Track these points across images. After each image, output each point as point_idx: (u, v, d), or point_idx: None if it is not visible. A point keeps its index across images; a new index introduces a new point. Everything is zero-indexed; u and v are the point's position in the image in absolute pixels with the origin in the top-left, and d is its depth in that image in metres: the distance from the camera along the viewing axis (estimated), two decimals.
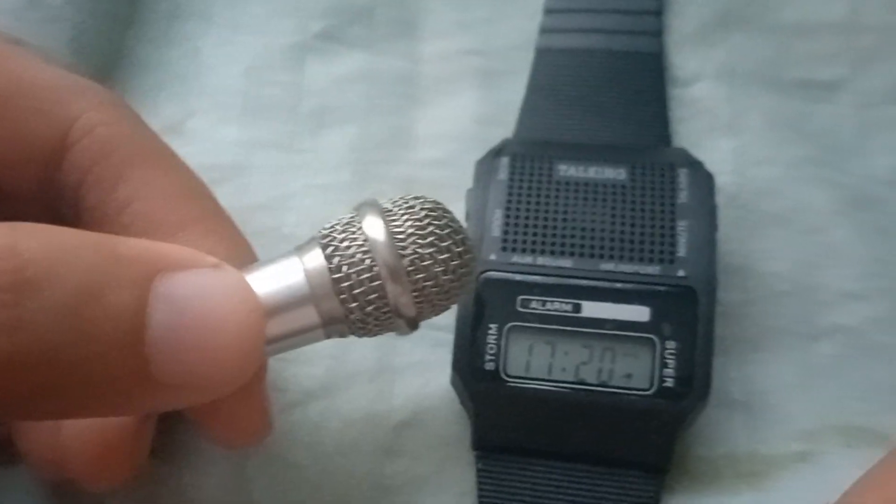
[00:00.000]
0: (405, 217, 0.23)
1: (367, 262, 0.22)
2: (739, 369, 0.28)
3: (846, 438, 0.27)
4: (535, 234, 0.27)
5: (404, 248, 0.23)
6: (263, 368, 0.25)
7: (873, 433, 0.27)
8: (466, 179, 0.29)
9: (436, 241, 0.23)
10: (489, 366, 0.26)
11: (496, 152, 0.29)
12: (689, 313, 0.26)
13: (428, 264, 0.23)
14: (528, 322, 0.27)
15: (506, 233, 0.28)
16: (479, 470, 0.27)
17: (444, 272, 0.23)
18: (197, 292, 0.20)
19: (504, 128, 0.31)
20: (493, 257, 0.27)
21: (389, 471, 0.28)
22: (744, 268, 0.29)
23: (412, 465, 0.28)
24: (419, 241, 0.23)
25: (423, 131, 0.32)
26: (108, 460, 0.25)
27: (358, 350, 0.29)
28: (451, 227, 0.23)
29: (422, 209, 0.23)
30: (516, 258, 0.27)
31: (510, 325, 0.27)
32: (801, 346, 0.28)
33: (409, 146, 0.32)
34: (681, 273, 0.26)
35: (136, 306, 0.19)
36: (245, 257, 0.24)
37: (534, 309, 0.27)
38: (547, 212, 0.28)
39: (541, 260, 0.27)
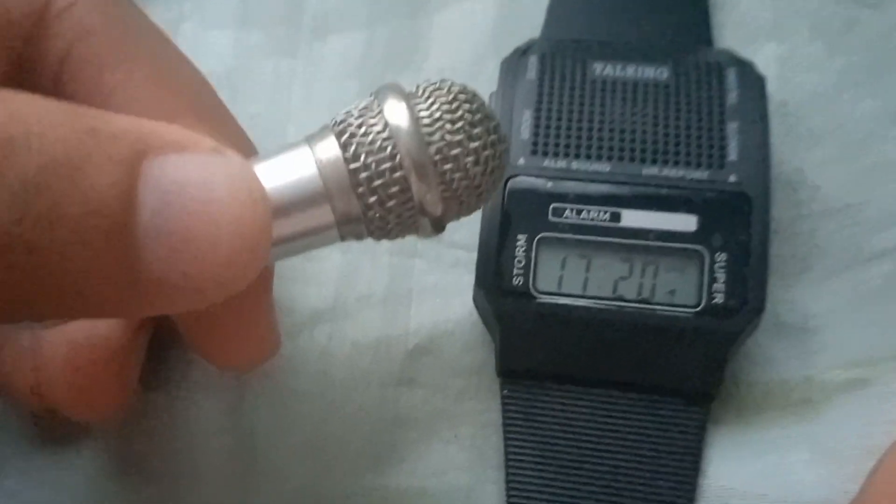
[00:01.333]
0: (431, 100, 0.20)
1: (389, 149, 0.20)
2: (788, 291, 0.25)
3: None
4: (568, 137, 0.25)
5: (431, 134, 0.20)
6: (270, 276, 0.22)
7: None
8: (487, 88, 0.26)
9: (467, 128, 0.20)
10: (517, 281, 0.24)
11: (523, 51, 0.26)
12: (741, 222, 0.23)
13: (457, 153, 0.20)
14: (561, 233, 0.24)
15: (536, 135, 0.25)
16: (504, 398, 0.24)
17: (476, 163, 0.20)
18: (193, 177, 0.17)
19: (527, 32, 0.28)
20: (521, 161, 0.24)
21: (405, 402, 0.25)
22: (793, 181, 0.26)
23: (429, 396, 0.25)
24: (448, 126, 0.20)
25: (436, 37, 0.29)
26: (92, 386, 0.22)
27: (370, 269, 0.26)
28: (484, 111, 0.20)
29: (451, 91, 0.20)
30: (548, 162, 0.24)
31: (541, 235, 0.24)
32: (854, 267, 0.25)
33: (421, 54, 0.29)
34: (732, 178, 0.24)
35: (120, 189, 0.16)
36: (247, 153, 0.21)
37: (567, 218, 0.24)
38: (581, 113, 0.25)
39: (575, 164, 0.24)
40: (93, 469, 0.25)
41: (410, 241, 0.27)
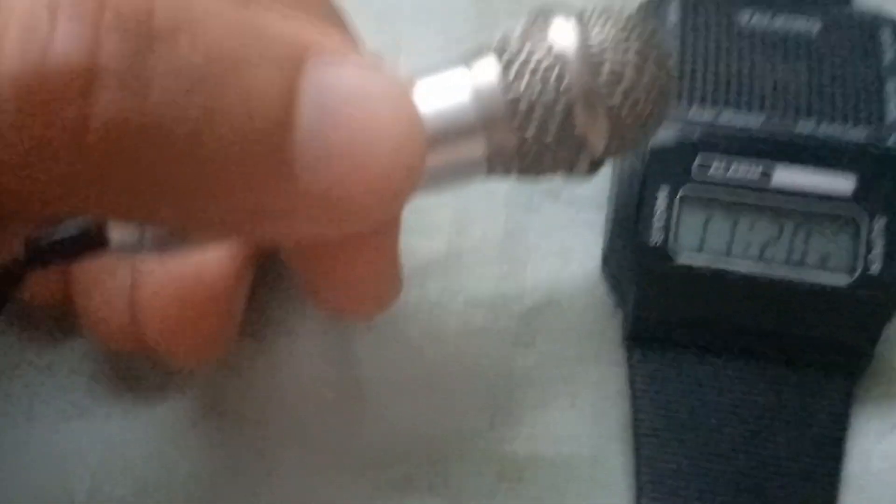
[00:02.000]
0: (602, 23, 0.18)
1: (555, 74, 0.18)
2: None
3: None
4: (716, 86, 0.23)
5: (601, 63, 0.18)
6: (398, 216, 0.21)
7: None
8: None
9: (639, 59, 0.18)
10: (656, 239, 0.22)
11: None
12: None
13: (628, 86, 0.18)
14: (706, 188, 0.22)
15: (681, 82, 0.23)
16: (633, 364, 0.22)
17: (646, 99, 0.18)
18: (354, 90, 0.16)
19: None
20: None
21: (520, 363, 0.23)
22: None
23: (546, 359, 0.23)
24: (621, 56, 0.18)
25: None
26: (197, 323, 0.21)
27: (485, 222, 0.25)
28: (657, 42, 0.19)
29: (624, 18, 0.19)
30: (694, 112, 0.23)
31: (684, 191, 0.22)
32: None
33: None
34: (894, 138, 0.22)
35: (281, 91, 0.15)
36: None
37: (714, 173, 0.22)
38: (729, 62, 0.23)
39: (724, 115, 0.22)
40: (188, 412, 0.23)
41: (529, 196, 0.25)
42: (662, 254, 0.22)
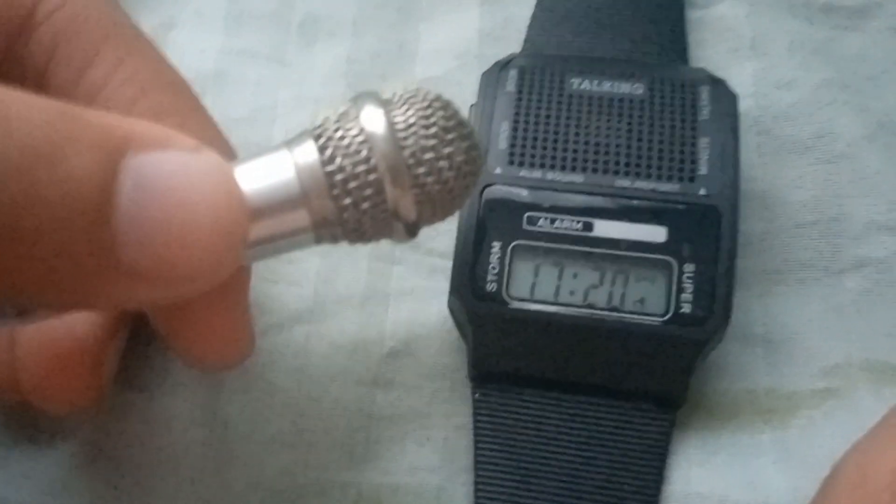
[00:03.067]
0: (406, 107, 0.21)
1: (364, 153, 0.20)
2: (761, 303, 0.26)
3: (873, 375, 0.25)
4: (544, 148, 0.25)
5: (406, 139, 0.21)
6: (247, 277, 0.23)
7: None
8: (469, 98, 0.27)
9: (440, 133, 0.21)
10: (491, 287, 0.24)
11: (503, 64, 0.27)
12: (710, 233, 0.24)
13: (430, 158, 0.21)
14: (535, 241, 0.24)
15: (513, 146, 0.25)
16: (475, 401, 0.25)
17: (449, 168, 0.21)
18: (172, 172, 0.18)
19: (509, 45, 0.29)
20: (498, 171, 0.25)
21: (381, 401, 0.26)
22: (766, 196, 0.27)
23: (404, 396, 0.26)
24: (423, 131, 0.21)
25: (422, 47, 0.30)
26: (67, 379, 0.23)
27: (349, 273, 0.27)
28: (457, 119, 0.21)
29: (426, 98, 0.21)
30: (524, 172, 0.25)
31: (515, 243, 0.24)
32: (827, 279, 0.26)
33: (406, 61, 0.30)
34: (702, 191, 0.24)
35: (101, 177, 0.16)
36: (225, 156, 0.22)
37: (541, 227, 0.24)
38: (558, 125, 0.25)
39: (550, 175, 0.25)
40: (67, 462, 0.25)
41: (390, 248, 0.28)
42: (497, 300, 0.24)
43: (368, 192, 0.20)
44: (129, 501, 0.25)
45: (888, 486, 0.19)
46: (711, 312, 0.23)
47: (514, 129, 0.26)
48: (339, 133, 0.21)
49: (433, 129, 0.21)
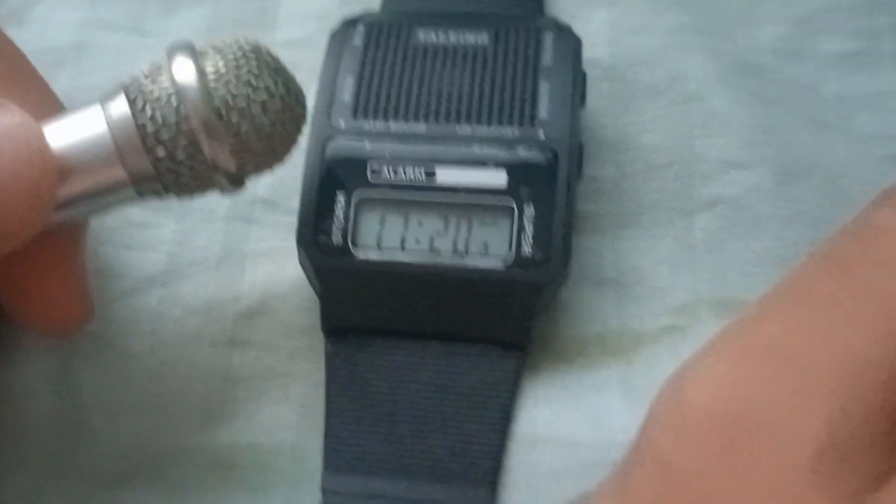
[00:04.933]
0: (219, 56, 0.21)
1: (175, 105, 0.20)
2: (613, 247, 0.26)
3: (722, 311, 0.25)
4: (388, 100, 0.25)
5: (216, 88, 0.20)
6: (78, 238, 0.23)
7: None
8: None
9: (252, 80, 0.21)
10: (336, 239, 0.24)
11: (352, 22, 0.27)
12: (548, 177, 0.24)
13: (243, 107, 0.21)
14: (379, 191, 0.24)
15: (357, 98, 0.25)
16: (327, 354, 0.25)
17: (263, 113, 0.21)
18: None
19: (371, 7, 0.29)
20: (341, 123, 0.25)
21: (236, 361, 0.25)
22: (618, 141, 0.27)
23: (261, 356, 0.26)
24: (234, 80, 0.21)
25: (283, 10, 0.30)
26: None
27: (204, 235, 0.27)
28: (271, 66, 0.21)
29: (240, 48, 0.21)
30: (367, 125, 0.25)
31: (359, 194, 0.24)
32: (679, 220, 0.26)
33: (268, 26, 0.30)
34: (541, 135, 0.25)
35: None
36: (53, 113, 0.22)
37: (385, 177, 0.24)
38: (402, 76, 0.25)
39: (393, 126, 0.25)
40: None
41: (247, 209, 0.28)
42: (343, 252, 0.24)
43: (182, 142, 0.20)
44: None
45: (705, 407, 0.19)
46: (551, 254, 0.24)
47: (359, 83, 0.26)
48: (151, 86, 0.21)
49: (245, 78, 0.21)
